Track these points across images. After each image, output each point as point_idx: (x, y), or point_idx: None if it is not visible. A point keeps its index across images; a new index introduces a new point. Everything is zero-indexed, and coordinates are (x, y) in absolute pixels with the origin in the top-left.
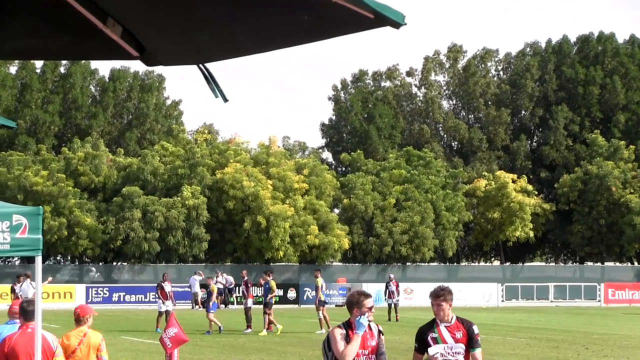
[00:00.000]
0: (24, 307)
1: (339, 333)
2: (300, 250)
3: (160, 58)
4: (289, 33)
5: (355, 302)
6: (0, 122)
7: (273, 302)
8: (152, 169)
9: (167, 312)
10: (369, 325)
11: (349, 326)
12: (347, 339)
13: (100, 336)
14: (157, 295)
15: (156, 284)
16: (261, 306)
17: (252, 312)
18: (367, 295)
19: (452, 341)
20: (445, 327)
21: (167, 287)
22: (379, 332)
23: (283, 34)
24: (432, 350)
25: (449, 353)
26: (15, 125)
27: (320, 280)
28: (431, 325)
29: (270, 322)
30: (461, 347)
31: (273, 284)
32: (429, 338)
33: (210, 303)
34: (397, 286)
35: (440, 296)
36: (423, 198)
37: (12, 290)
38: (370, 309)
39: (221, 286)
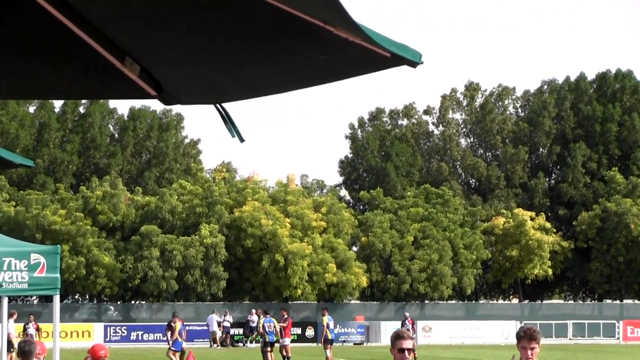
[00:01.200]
0: (21, 347)
1: None
2: (318, 289)
3: (179, 97)
4: (306, 74)
5: (392, 341)
6: (18, 162)
7: (265, 340)
8: (171, 207)
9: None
10: None
11: None
12: None
13: None
14: (168, 334)
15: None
16: (277, 345)
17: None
18: (402, 337)
19: None
20: None
21: (178, 325)
22: None
23: (301, 75)
24: None
25: None
26: (34, 165)
27: (326, 319)
28: None
29: None
30: None
31: (260, 322)
32: None
33: (172, 341)
34: (413, 324)
35: (534, 339)
36: (441, 236)
37: (24, 330)
38: (402, 350)
39: (228, 324)
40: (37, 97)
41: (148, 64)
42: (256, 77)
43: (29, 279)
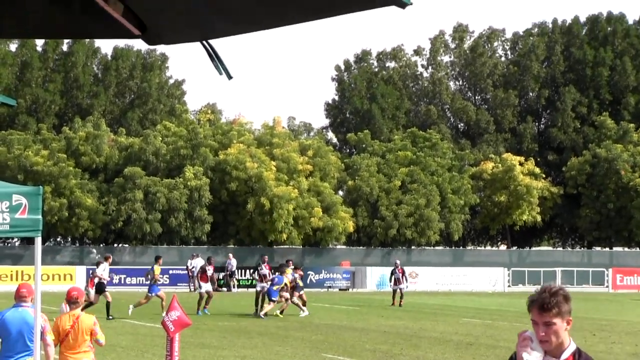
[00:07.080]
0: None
1: None
2: (304, 233)
3: (163, 36)
4: (295, 9)
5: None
6: (0, 101)
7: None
8: (154, 149)
9: (207, 292)
10: None
11: None
12: None
13: (94, 319)
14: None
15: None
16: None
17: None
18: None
19: None
20: None
21: (210, 270)
22: None
23: (289, 10)
24: None
25: None
26: (15, 104)
27: (289, 271)
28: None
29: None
30: None
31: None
32: None
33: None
34: (403, 273)
35: (550, 308)
36: (429, 180)
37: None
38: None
39: (197, 268)
40: (18, 37)
41: (131, 2)
42: (243, 12)
43: (11, 220)
